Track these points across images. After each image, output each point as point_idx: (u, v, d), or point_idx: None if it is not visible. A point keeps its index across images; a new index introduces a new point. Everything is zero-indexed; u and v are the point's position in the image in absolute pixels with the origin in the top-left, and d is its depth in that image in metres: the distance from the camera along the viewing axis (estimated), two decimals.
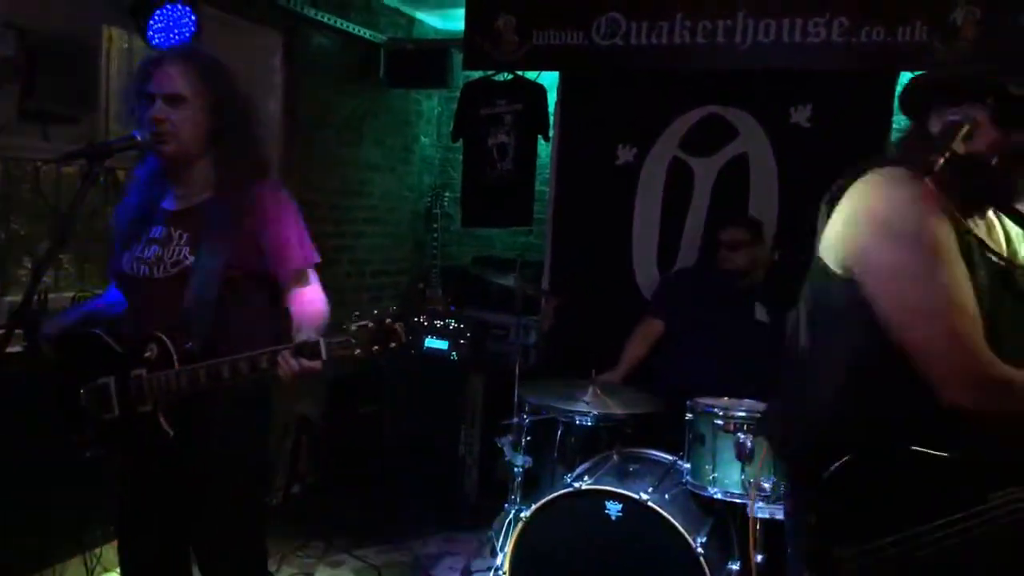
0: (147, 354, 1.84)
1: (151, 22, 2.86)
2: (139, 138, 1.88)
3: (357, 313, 1.75)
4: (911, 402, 1.34)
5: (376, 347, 1.72)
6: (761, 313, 3.34)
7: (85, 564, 2.52)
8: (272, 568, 3.31)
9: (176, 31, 2.90)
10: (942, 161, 1.30)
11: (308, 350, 1.74)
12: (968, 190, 1.38)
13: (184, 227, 1.95)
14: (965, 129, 1.32)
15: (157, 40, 2.87)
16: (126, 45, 3.33)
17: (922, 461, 1.32)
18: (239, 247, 1.91)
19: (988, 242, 1.40)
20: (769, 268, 3.49)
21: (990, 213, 1.46)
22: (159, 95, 1.88)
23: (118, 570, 2.86)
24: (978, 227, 1.41)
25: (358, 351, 1.72)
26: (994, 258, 1.38)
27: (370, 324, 1.73)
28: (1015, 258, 1.44)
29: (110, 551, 2.97)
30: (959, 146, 1.32)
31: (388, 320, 1.73)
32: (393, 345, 1.73)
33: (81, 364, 1.93)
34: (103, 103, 3.18)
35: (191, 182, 1.99)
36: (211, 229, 1.90)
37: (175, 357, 1.82)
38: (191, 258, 1.90)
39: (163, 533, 2.05)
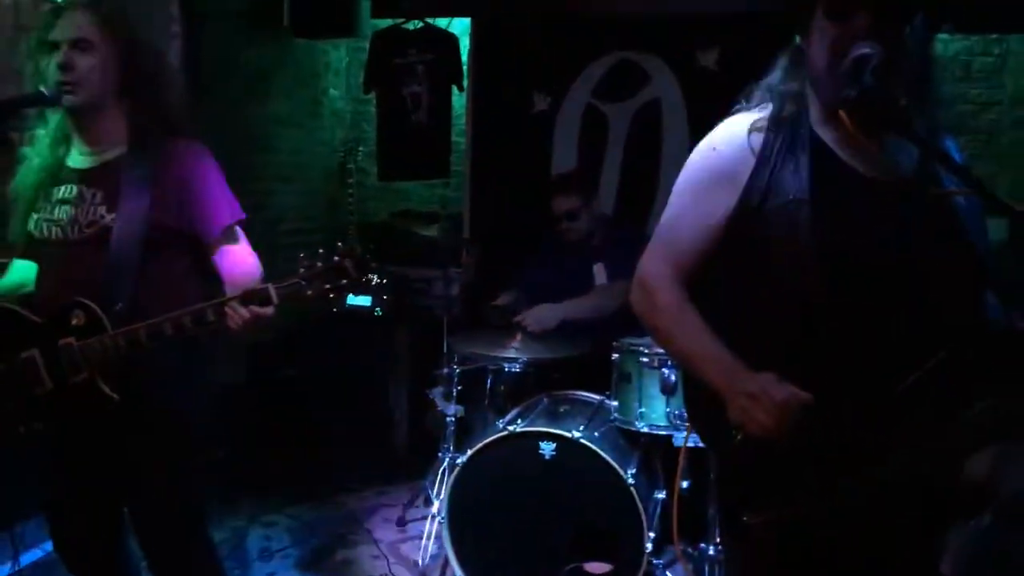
0: (74, 321, 1.76)
1: None
2: (47, 93, 1.78)
3: (303, 255, 1.75)
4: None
5: (327, 285, 1.72)
6: (601, 276, 3.22)
7: (13, 544, 2.42)
8: None
9: None
10: (855, 95, 1.34)
11: (258, 297, 1.72)
12: (874, 119, 1.40)
13: (97, 185, 1.86)
14: (875, 61, 1.34)
15: None
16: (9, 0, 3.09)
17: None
18: (160, 204, 1.84)
19: (847, 156, 1.43)
20: (608, 222, 3.35)
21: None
22: (64, 41, 1.79)
23: (43, 547, 2.76)
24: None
25: (309, 292, 1.72)
26: (861, 169, 1.42)
27: (319, 264, 1.73)
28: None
29: (32, 529, 2.86)
30: (868, 79, 1.34)
31: (336, 258, 1.73)
32: (344, 282, 1.73)
33: None
34: None
35: (101, 137, 1.89)
36: (129, 186, 1.83)
37: (106, 321, 1.76)
38: (109, 216, 1.82)
39: (98, 503, 1.99)
